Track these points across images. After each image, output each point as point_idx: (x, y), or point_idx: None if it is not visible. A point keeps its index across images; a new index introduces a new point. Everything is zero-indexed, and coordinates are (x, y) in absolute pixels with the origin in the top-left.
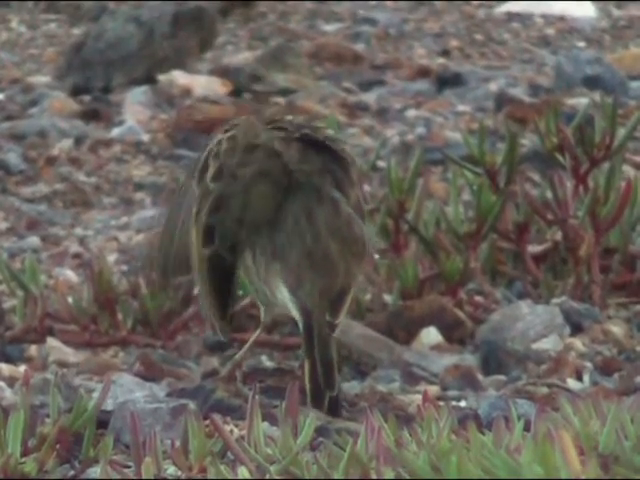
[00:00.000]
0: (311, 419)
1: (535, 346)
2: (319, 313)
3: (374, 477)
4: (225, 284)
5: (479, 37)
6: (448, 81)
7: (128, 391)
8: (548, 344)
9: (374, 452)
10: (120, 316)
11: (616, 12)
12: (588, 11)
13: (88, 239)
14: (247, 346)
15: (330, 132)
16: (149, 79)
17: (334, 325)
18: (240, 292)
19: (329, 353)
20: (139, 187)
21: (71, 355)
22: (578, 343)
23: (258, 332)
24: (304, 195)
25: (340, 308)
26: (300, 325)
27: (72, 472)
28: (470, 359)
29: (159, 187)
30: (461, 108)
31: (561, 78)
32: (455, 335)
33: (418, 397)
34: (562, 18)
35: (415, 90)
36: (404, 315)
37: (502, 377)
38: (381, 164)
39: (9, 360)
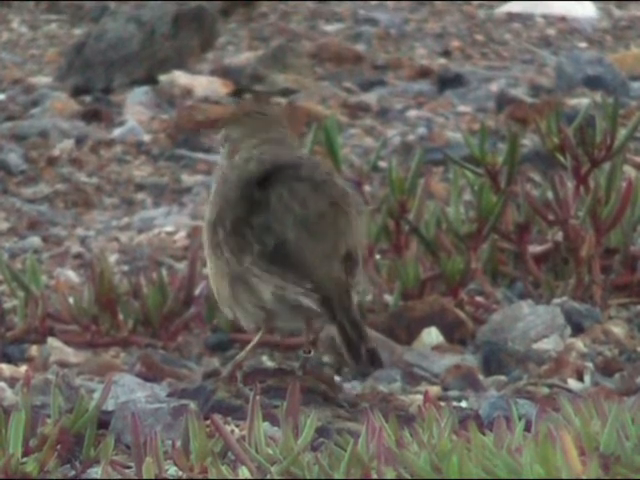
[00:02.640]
0: (312, 419)
1: (536, 346)
2: (331, 281)
3: (375, 477)
4: None
5: (480, 37)
6: (449, 81)
7: (129, 391)
8: (549, 344)
9: (375, 452)
10: (121, 317)
11: (617, 12)
12: (589, 11)
13: (89, 239)
14: (249, 348)
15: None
16: (150, 79)
17: (350, 285)
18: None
19: (353, 314)
20: (140, 187)
21: (72, 355)
22: (579, 343)
23: (260, 334)
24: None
25: (354, 267)
26: (316, 302)
27: (73, 472)
28: (471, 359)
29: (160, 187)
30: (462, 108)
31: (562, 78)
32: (456, 335)
33: (419, 397)
34: (563, 18)
35: (416, 90)
36: (405, 315)
37: (503, 377)
38: (382, 164)
39: (10, 360)
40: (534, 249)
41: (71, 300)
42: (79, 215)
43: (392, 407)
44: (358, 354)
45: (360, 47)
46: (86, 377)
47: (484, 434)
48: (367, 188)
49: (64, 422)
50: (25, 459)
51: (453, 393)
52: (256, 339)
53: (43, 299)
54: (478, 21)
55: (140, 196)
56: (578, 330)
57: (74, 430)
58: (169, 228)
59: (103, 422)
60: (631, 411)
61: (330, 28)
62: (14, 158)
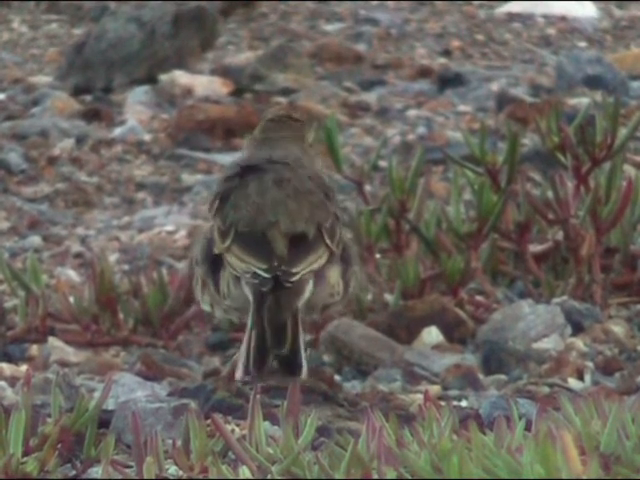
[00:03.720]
0: (312, 419)
1: (536, 346)
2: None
3: (375, 477)
4: None
5: (480, 37)
6: (449, 81)
7: (129, 391)
8: (549, 344)
9: (375, 452)
10: (121, 316)
11: (617, 12)
12: (589, 11)
13: (89, 239)
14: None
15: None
16: (150, 79)
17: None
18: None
19: (279, 316)
20: (140, 187)
21: (72, 355)
22: (579, 343)
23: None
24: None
25: (299, 259)
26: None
27: (73, 472)
28: (471, 359)
29: (160, 187)
30: (462, 108)
31: (562, 78)
32: (456, 335)
33: (419, 397)
34: (563, 18)
35: (416, 90)
36: (405, 315)
37: (503, 377)
38: (382, 164)
39: (11, 360)
40: (534, 248)
41: (71, 299)
42: (79, 214)
43: (392, 406)
44: (263, 362)
45: (360, 47)
46: (86, 376)
47: (484, 433)
48: (367, 187)
49: (64, 421)
50: (25, 458)
51: (453, 392)
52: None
53: (44, 298)
54: (478, 21)
55: (140, 195)
56: (578, 329)
57: (74, 429)
58: (169, 227)
59: (104, 421)
60: (631, 410)
61: (330, 28)
62: (14, 157)
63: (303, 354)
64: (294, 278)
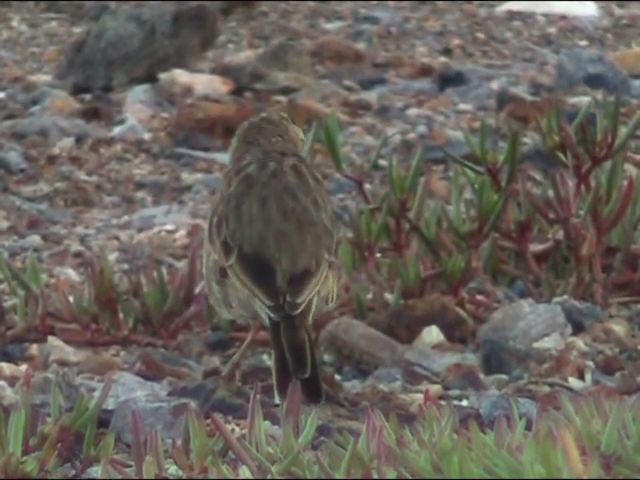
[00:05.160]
0: (312, 418)
1: (537, 345)
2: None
3: (376, 477)
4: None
5: (481, 36)
6: (450, 80)
7: (129, 390)
8: (550, 343)
9: (375, 451)
10: (121, 315)
11: (618, 11)
12: (590, 10)
13: (89, 238)
14: (243, 347)
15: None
16: (150, 78)
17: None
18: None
19: (298, 339)
20: (140, 186)
21: (72, 354)
22: (580, 342)
23: (252, 333)
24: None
25: (301, 288)
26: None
27: (73, 471)
28: (472, 358)
29: (160, 186)
30: (463, 107)
31: (563, 77)
32: (457, 334)
33: (420, 396)
34: (564, 17)
35: (417, 89)
36: (406, 314)
37: (504, 376)
38: (382, 163)
39: (10, 359)
40: (535, 248)
41: (71, 299)
42: (79, 214)
43: (393, 406)
44: (285, 384)
45: (361, 45)
46: (86, 376)
47: (485, 433)
48: (368, 186)
49: (64, 421)
50: (25, 458)
51: (454, 392)
52: (248, 338)
53: (43, 298)
54: (479, 19)
55: (140, 194)
56: (579, 329)
57: (74, 429)
58: (169, 227)
59: (103, 421)
60: (632, 410)
61: (330, 26)
62: (14, 156)
63: (320, 378)
64: (299, 309)
